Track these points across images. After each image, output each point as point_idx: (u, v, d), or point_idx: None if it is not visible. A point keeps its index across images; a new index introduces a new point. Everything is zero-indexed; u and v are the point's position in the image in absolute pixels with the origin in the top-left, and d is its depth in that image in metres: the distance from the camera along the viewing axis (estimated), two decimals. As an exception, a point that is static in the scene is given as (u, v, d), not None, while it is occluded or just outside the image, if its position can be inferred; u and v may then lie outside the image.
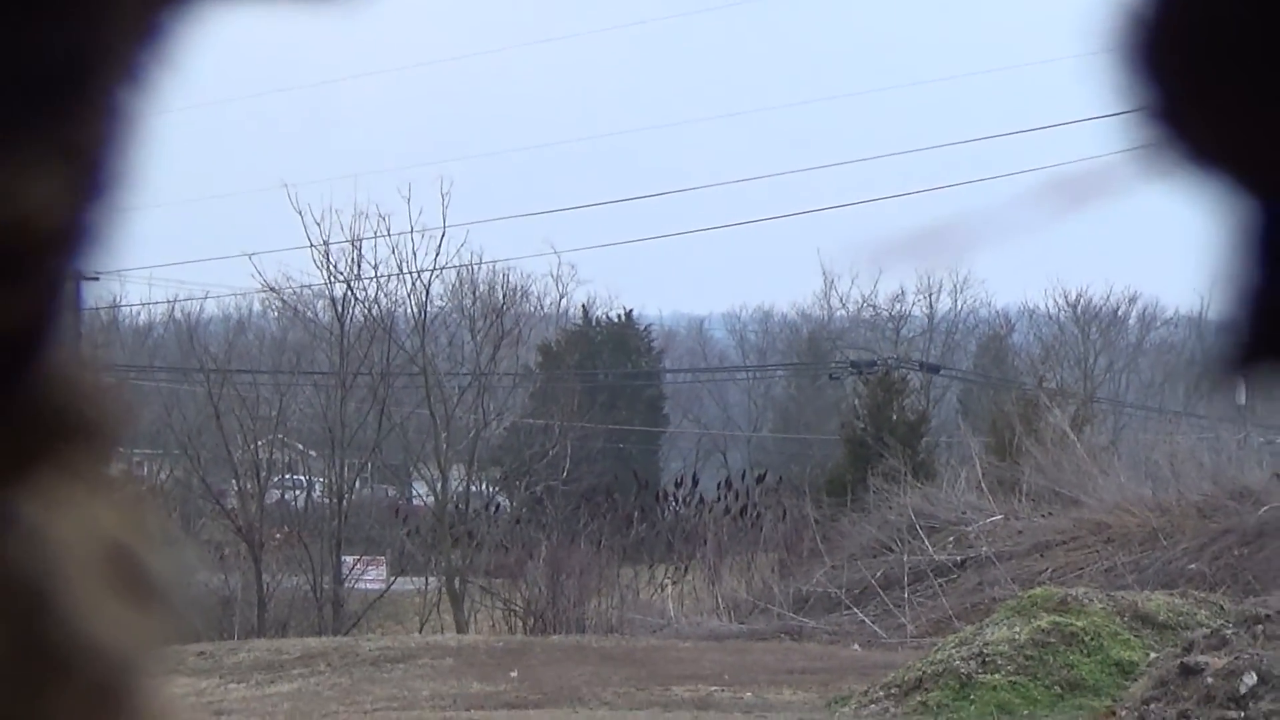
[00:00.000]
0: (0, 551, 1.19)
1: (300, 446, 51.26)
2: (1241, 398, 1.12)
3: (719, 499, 48.91)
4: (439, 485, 48.43)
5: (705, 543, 44.33)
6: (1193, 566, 30.99)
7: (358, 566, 48.07)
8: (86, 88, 1.14)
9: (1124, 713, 21.22)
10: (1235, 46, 1.02)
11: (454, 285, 53.28)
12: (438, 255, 49.77)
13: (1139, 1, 1.05)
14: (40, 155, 1.13)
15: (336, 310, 49.99)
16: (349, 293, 49.47)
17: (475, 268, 53.91)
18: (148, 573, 1.26)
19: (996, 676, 23.03)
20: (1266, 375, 1.08)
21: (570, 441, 51.60)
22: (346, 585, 46.96)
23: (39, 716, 1.24)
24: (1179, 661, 21.52)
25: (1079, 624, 23.94)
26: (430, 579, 46.62)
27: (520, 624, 40.79)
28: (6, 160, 1.11)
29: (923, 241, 1.29)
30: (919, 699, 23.08)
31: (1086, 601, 24.85)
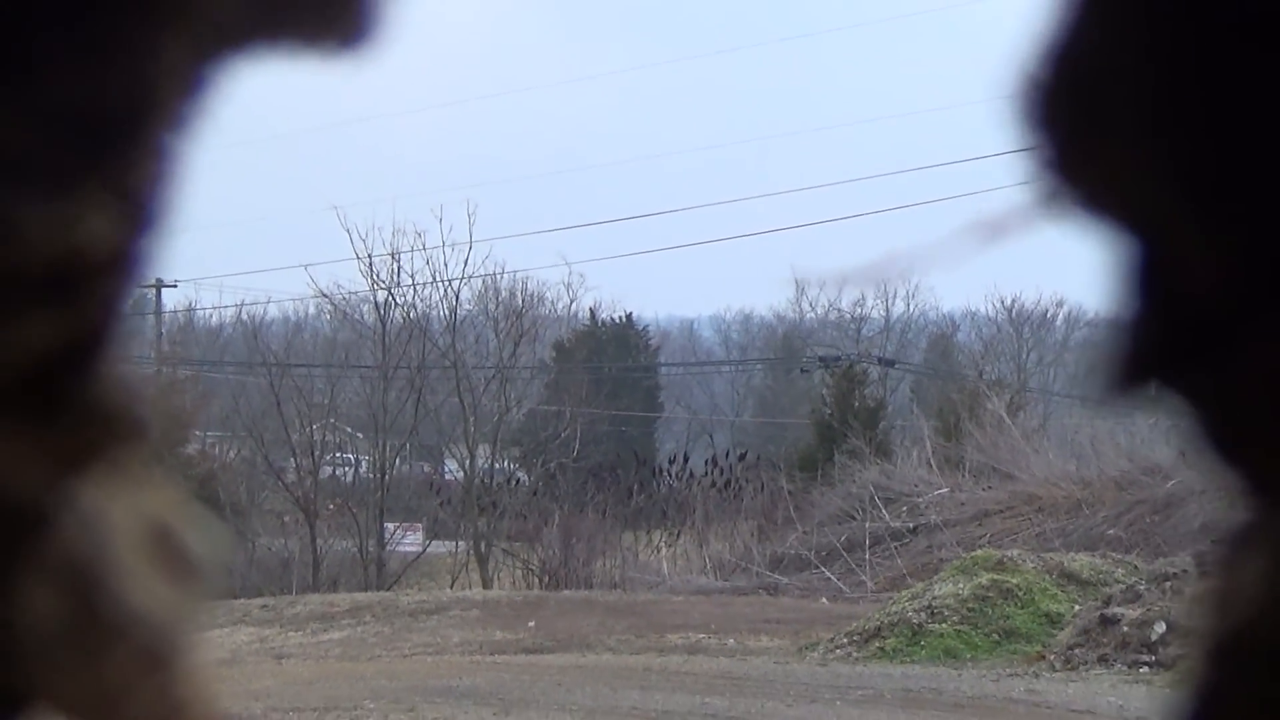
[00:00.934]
0: (61, 533, 1.18)
1: (348, 430, 51.45)
2: (1152, 389, 1.12)
3: (706, 474, 49.00)
4: (467, 462, 48.77)
5: (694, 511, 44.52)
6: (1111, 532, 31.05)
7: (397, 532, 48.43)
8: (136, 134, 1.13)
9: (1052, 657, 21.28)
10: (1113, 112, 1.01)
11: (480, 292, 53.61)
12: (465, 266, 50.43)
13: (1034, 65, 1.05)
14: (94, 193, 1.13)
15: (379, 313, 50.59)
16: (390, 298, 50.16)
17: (498, 276, 54.50)
18: (187, 552, 1.26)
19: (943, 626, 23.09)
20: (1143, 397, 1.08)
21: (579, 425, 51.92)
22: (388, 548, 47.32)
23: (95, 678, 1.23)
24: (1099, 613, 21.63)
25: (1014, 581, 24.02)
26: (460, 542, 46.79)
27: (536, 581, 40.82)
28: (65, 198, 1.11)
29: (875, 269, 1.30)
30: (877, 645, 23.14)
31: (1020, 562, 24.95)
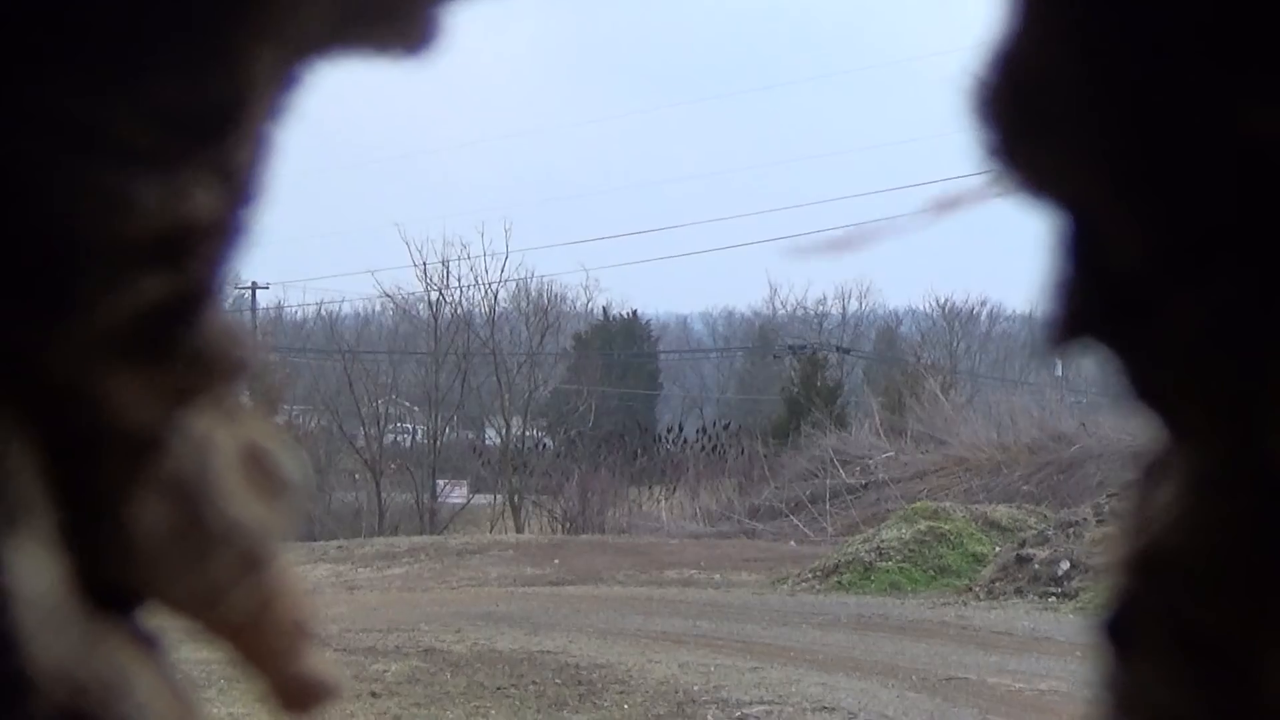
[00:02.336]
0: (171, 456, 1.17)
1: (407, 404, 51.79)
2: (1059, 370, 1.10)
3: (697, 441, 49.24)
4: (503, 431, 49.09)
5: (687, 471, 44.81)
6: (1025, 487, 31.17)
7: (446, 487, 48.77)
8: (235, 125, 1.11)
9: (977, 589, 21.39)
10: (1048, 110, 0.99)
11: (514, 292, 53.98)
12: (502, 271, 50.97)
13: (982, 70, 1.02)
14: (201, 174, 1.10)
15: (432, 310, 51.12)
16: (440, 298, 50.64)
17: (529, 280, 54.99)
18: (277, 472, 1.24)
19: (889, 564, 23.22)
20: (1076, 351, 1.06)
21: (594, 401, 52.37)
22: (439, 500, 47.67)
23: (199, 579, 1.22)
24: (1015, 553, 21.82)
25: (946, 527, 24.16)
26: (497, 495, 47.08)
27: (559, 527, 40.99)
28: (175, 178, 1.08)
29: (842, 241, 1.27)
30: (835, 579, 23.25)
31: (951, 512, 25.08)
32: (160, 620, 1.22)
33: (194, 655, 1.33)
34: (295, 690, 1.28)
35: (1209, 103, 0.96)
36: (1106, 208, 1.01)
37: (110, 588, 1.17)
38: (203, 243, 1.13)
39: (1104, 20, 0.98)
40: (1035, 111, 1.02)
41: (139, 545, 1.16)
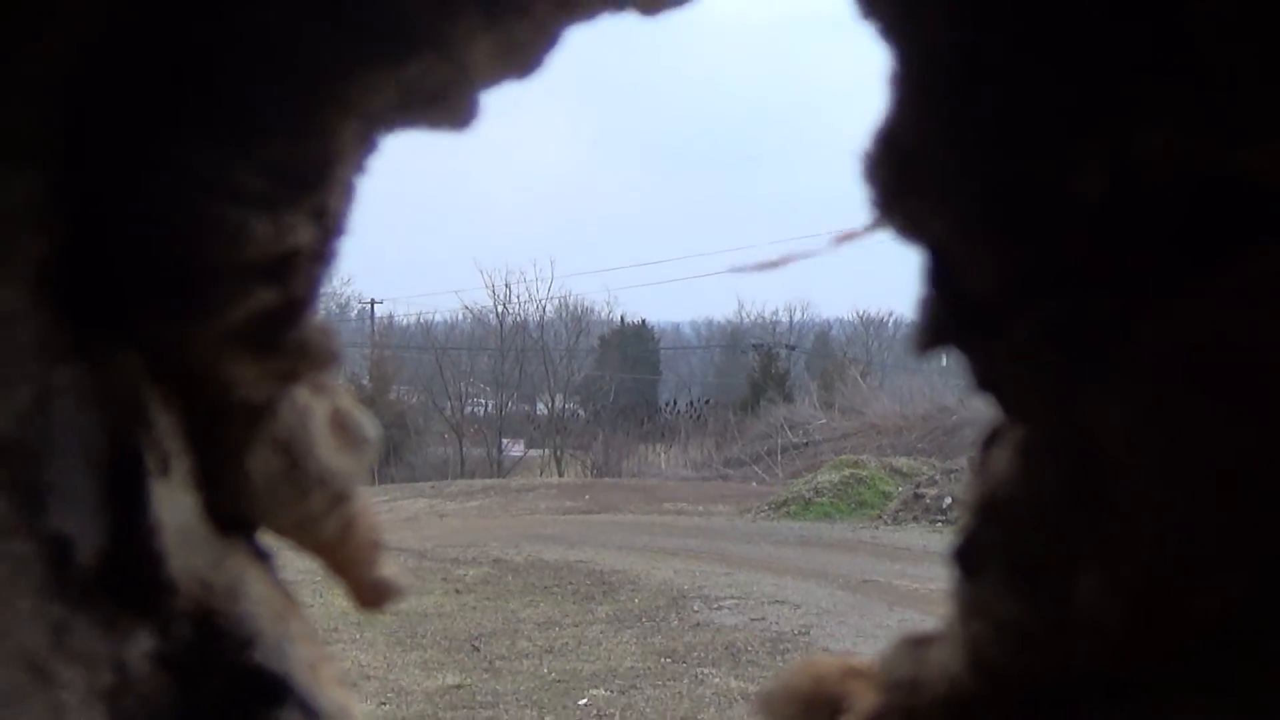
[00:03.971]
0: (280, 420, 1.15)
1: (481, 385, 51.89)
2: (944, 362, 1.07)
3: (686, 412, 49.27)
4: (549, 404, 49.29)
5: (679, 433, 44.87)
6: (920, 445, 31.09)
7: (509, 444, 49.01)
8: (328, 177, 1.09)
9: (885, 517, 21.43)
10: (914, 176, 0.97)
11: (557, 306, 54.20)
12: (548, 290, 51.71)
13: (869, 145, 1.00)
14: (302, 215, 1.08)
15: (498, 318, 51.45)
16: (504, 309, 51.08)
17: (567, 297, 55.37)
18: (357, 431, 1.21)
19: (823, 499, 23.23)
20: (936, 354, 1.04)
21: (614, 384, 52.47)
22: (503, 453, 47.86)
23: (299, 511, 1.19)
24: (913, 492, 21.86)
25: (863, 473, 24.13)
26: (545, 450, 47.18)
27: (589, 473, 41.08)
28: (282, 217, 1.06)
29: (771, 262, 1.26)
30: (784, 510, 23.25)
31: (867, 463, 25.07)
32: (270, 540, 1.20)
33: (295, 565, 1.30)
34: (371, 591, 1.26)
35: (1040, 172, 0.93)
36: (959, 249, 0.98)
37: (233, 517, 1.15)
38: (303, 265, 1.10)
39: (957, 111, 0.96)
40: (905, 178, 0.99)
41: (255, 486, 1.14)
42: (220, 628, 1.07)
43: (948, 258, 1.00)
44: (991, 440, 1.05)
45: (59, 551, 0.99)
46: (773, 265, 1.25)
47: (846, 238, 1.13)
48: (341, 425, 1.19)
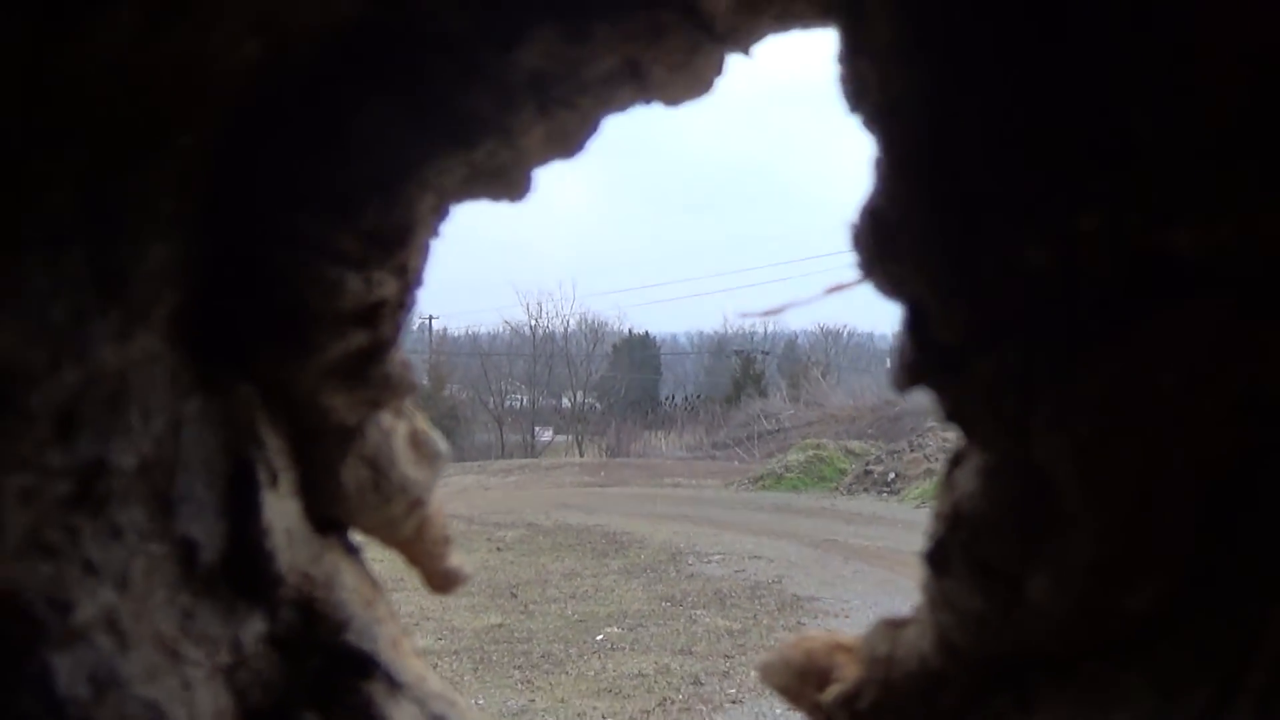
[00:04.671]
0: (367, 439, 1.12)
1: (518, 383, 51.76)
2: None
3: (682, 405, 49.15)
4: (573, 399, 49.26)
5: (677, 421, 44.77)
6: (869, 431, 30.93)
7: (540, 431, 48.97)
8: (407, 241, 1.06)
9: (842, 489, 21.37)
10: (892, 245, 0.94)
11: (579, 320, 53.99)
12: (571, 307, 51.66)
13: (855, 217, 0.97)
14: (387, 271, 1.05)
15: (531, 330, 51.44)
16: (536, 323, 51.05)
17: (586, 313, 55.34)
18: (431, 448, 1.18)
19: (791, 474, 23.15)
20: (913, 390, 1.01)
21: (624, 383, 52.37)
22: (536, 439, 47.80)
23: (387, 513, 1.16)
24: (864, 468, 21.74)
25: (824, 454, 24.05)
26: (569, 435, 47.10)
27: (604, 454, 41.01)
28: (371, 273, 1.03)
29: (774, 309, 1.23)
30: (760, 483, 23.19)
31: (826, 445, 24.97)
32: (359, 536, 1.17)
33: (379, 558, 1.28)
34: (441, 578, 1.23)
35: (999, 245, 0.90)
36: (931, 305, 0.95)
37: (329, 519, 1.12)
38: (389, 313, 1.07)
39: (931, 193, 0.93)
40: (887, 246, 0.96)
41: (347, 494, 1.11)
42: (319, 613, 1.04)
43: (921, 312, 0.97)
44: (956, 462, 1.02)
45: (187, 551, 0.97)
46: (776, 312, 1.22)
47: (836, 289, 1.10)
48: (418, 443, 1.16)
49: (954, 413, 0.97)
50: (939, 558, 1.00)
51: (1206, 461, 0.89)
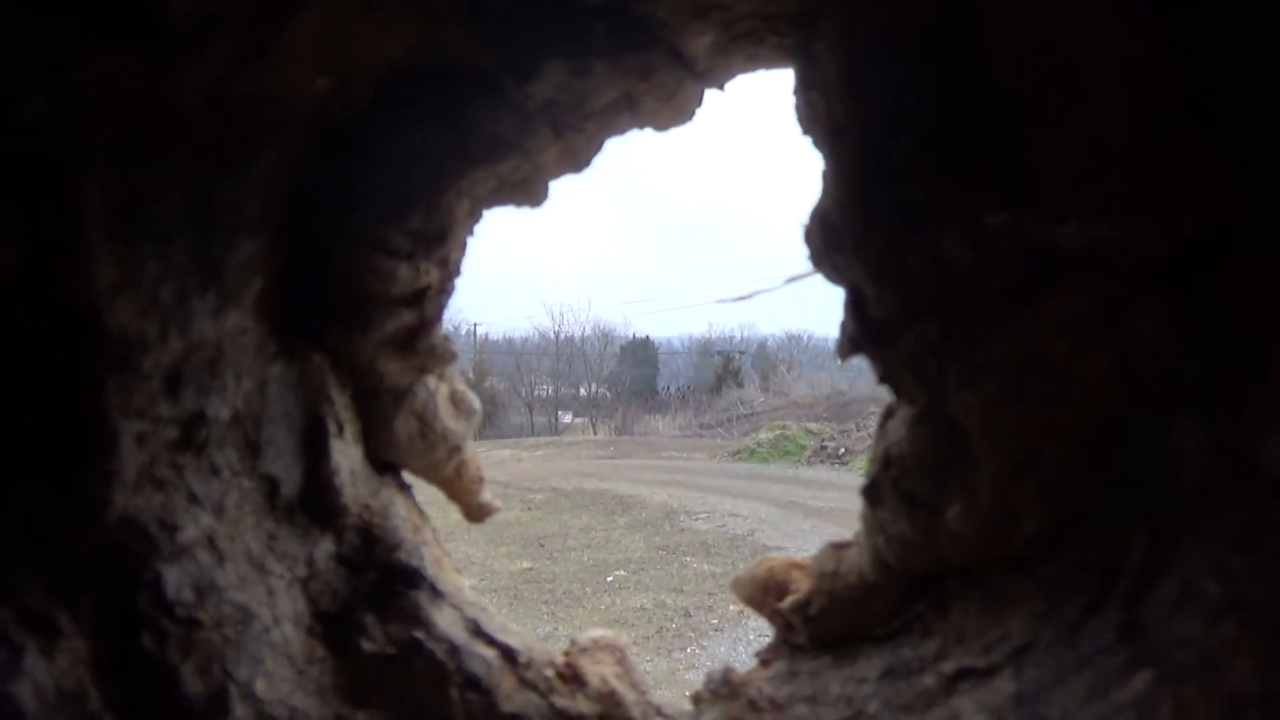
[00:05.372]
0: (416, 398, 1.11)
1: (544, 377, 51.59)
2: (839, 361, 1.05)
3: (674, 395, 48.99)
4: (588, 389, 49.07)
5: (670, 407, 44.61)
6: (824, 414, 30.67)
7: (562, 414, 48.77)
8: (447, 238, 1.05)
9: (803, 461, 21.19)
10: (836, 240, 0.93)
11: (593, 326, 53.91)
12: (587, 316, 51.08)
13: (807, 219, 0.96)
14: (432, 263, 1.04)
15: (555, 334, 51.18)
16: (559, 330, 50.85)
17: (599, 321, 55.02)
18: (468, 405, 1.18)
19: (762, 449, 22.97)
20: (851, 359, 1.01)
21: (629, 376, 52.18)
22: (559, 420, 47.62)
23: (432, 457, 1.16)
24: (820, 444, 21.55)
25: (788, 433, 23.84)
26: (585, 418, 46.95)
27: (613, 433, 40.87)
28: (420, 265, 1.02)
29: (743, 296, 1.22)
30: (738, 456, 23.00)
31: (790, 426, 24.78)
32: (409, 478, 1.17)
33: (424, 494, 1.27)
34: (475, 509, 1.23)
35: (922, 240, 0.89)
36: (867, 289, 0.95)
37: (385, 462, 1.11)
38: (432, 296, 1.07)
39: (867, 199, 0.92)
40: (831, 242, 0.96)
41: (399, 442, 1.11)
42: (376, 536, 1.04)
43: (860, 294, 0.96)
44: (888, 415, 1.02)
45: (271, 486, 0.96)
46: (745, 297, 1.21)
47: (794, 278, 1.10)
48: (457, 401, 1.16)
49: (886, 375, 0.97)
50: (874, 492, 1.00)
51: (1086, 415, 0.89)
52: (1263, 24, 0.70)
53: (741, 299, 1.19)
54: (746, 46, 1.00)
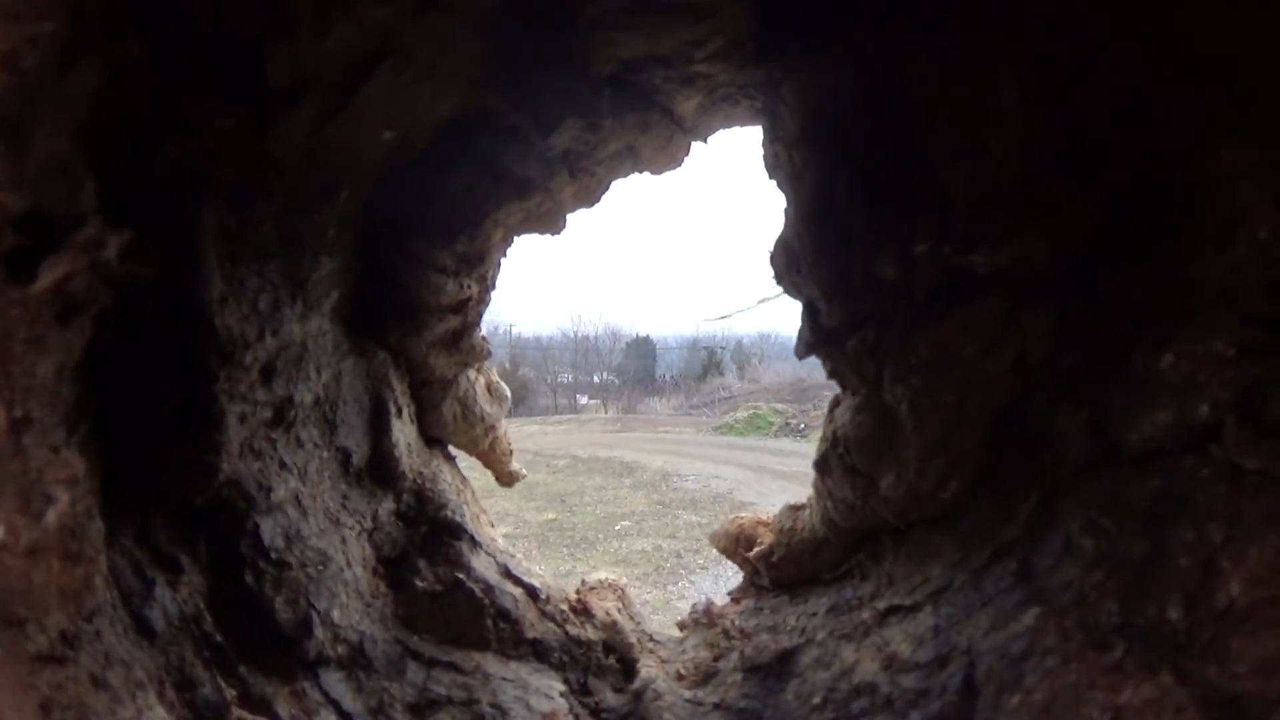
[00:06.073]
0: (459, 387, 1.12)
1: (565, 367, 51.44)
2: (800, 352, 1.05)
3: (669, 382, 48.78)
4: (601, 377, 48.83)
5: (666, 391, 44.20)
6: (789, 397, 30.48)
7: (579, 397, 48.54)
8: (484, 259, 1.05)
9: (772, 434, 20.79)
10: (796, 264, 0.93)
11: (604, 327, 53.72)
12: (600, 317, 50.86)
13: (772, 248, 0.97)
14: (473, 279, 1.05)
15: (574, 333, 50.96)
16: (578, 329, 50.61)
17: (610, 322, 54.80)
18: (501, 393, 1.19)
19: (739, 425, 22.70)
20: (809, 356, 1.01)
21: (633, 366, 51.92)
22: (578, 402, 47.36)
23: (471, 435, 1.16)
24: (785, 421, 21.19)
25: (760, 412, 23.57)
26: (598, 400, 46.79)
27: (620, 412, 40.69)
28: (463, 280, 1.03)
29: (726, 315, 1.23)
30: (720, 431, 22.72)
31: (761, 406, 24.51)
32: (454, 450, 1.17)
33: (467, 464, 1.28)
34: (506, 476, 1.23)
35: (862, 264, 0.90)
36: (820, 303, 0.95)
37: (434, 438, 1.12)
38: (473, 306, 1.07)
39: (820, 231, 0.92)
40: (791, 264, 0.96)
41: (445, 422, 1.11)
42: (427, 497, 1.05)
43: (814, 307, 0.97)
44: (835, 404, 1.02)
45: (344, 456, 0.97)
46: (726, 317, 1.21)
47: (764, 300, 1.10)
48: (492, 389, 1.17)
49: (834, 371, 0.97)
50: (823, 465, 1.01)
51: (990, 403, 0.89)
52: (1113, 83, 0.70)
53: (724, 318, 1.19)
54: (725, 108, 1.00)
